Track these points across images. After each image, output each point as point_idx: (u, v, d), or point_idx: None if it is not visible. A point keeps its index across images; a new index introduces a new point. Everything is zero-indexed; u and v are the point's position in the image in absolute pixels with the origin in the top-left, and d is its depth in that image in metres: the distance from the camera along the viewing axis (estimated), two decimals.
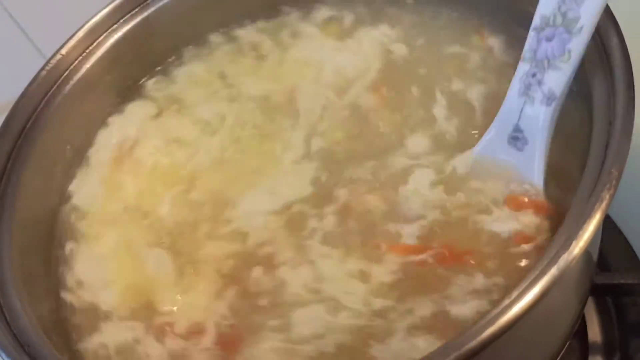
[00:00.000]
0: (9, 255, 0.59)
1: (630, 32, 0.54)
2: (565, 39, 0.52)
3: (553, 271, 0.42)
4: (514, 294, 0.42)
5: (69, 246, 0.65)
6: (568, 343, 0.57)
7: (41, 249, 0.65)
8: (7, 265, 0.58)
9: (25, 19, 1.04)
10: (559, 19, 0.52)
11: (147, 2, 0.74)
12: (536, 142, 0.55)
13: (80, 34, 0.71)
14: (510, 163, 0.57)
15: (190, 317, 0.57)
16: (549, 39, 0.53)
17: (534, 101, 0.54)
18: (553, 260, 0.42)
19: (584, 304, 0.58)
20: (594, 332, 0.73)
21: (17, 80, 0.77)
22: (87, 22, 0.72)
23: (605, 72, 0.52)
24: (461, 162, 0.60)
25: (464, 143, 0.61)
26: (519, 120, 0.56)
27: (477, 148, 0.59)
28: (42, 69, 0.70)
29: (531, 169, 0.56)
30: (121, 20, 0.73)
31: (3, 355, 0.51)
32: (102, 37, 0.72)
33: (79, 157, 0.71)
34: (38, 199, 0.66)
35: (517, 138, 0.56)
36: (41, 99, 0.69)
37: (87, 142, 0.71)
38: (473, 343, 0.41)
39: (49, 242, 0.66)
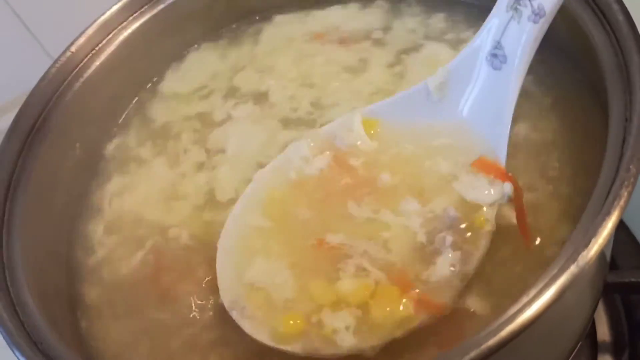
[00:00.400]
0: (20, 252, 0.59)
1: None
2: None
3: (572, 269, 0.42)
4: (532, 292, 0.42)
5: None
6: (580, 342, 0.57)
7: (52, 246, 0.65)
8: (19, 262, 0.58)
9: (30, 16, 1.03)
10: None
11: None
12: (515, 61, 0.53)
13: (90, 30, 0.71)
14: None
15: None
16: None
17: (521, 16, 0.52)
18: (572, 258, 0.42)
19: (597, 303, 0.58)
20: (603, 331, 0.73)
21: (21, 78, 0.78)
22: (97, 18, 0.72)
23: (620, 68, 0.51)
24: (436, 77, 0.58)
25: None
26: (502, 36, 0.54)
27: (454, 62, 0.58)
28: (52, 66, 0.69)
29: (505, 91, 0.54)
30: (131, 18, 0.73)
31: (17, 353, 0.50)
32: (112, 34, 0.72)
33: None
34: (48, 198, 0.66)
35: (496, 55, 0.54)
36: (50, 97, 0.68)
37: None
38: (492, 341, 0.40)
39: (60, 240, 0.66)
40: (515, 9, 0.52)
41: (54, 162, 0.67)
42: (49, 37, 1.02)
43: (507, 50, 0.53)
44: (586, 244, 0.42)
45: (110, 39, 0.72)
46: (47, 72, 0.69)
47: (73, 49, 0.71)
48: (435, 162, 0.56)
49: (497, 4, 0.54)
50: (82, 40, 0.71)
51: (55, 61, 0.70)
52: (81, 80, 0.71)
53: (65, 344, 0.53)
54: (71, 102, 0.69)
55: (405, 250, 0.52)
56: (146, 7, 0.74)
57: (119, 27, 0.73)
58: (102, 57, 0.72)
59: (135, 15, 0.73)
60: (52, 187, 0.67)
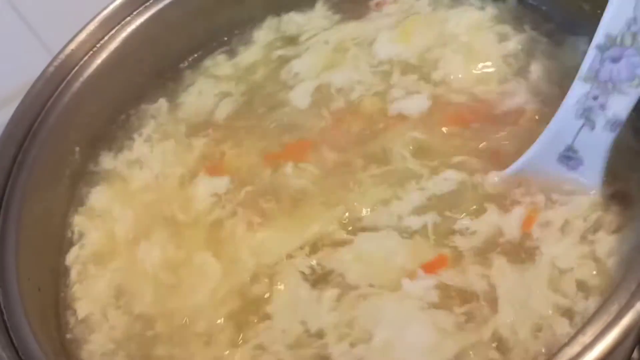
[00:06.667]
0: (15, 269, 0.54)
1: None
2: (635, 63, 0.47)
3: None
4: (591, 330, 0.38)
5: None
6: None
7: (49, 258, 0.60)
8: (14, 281, 0.53)
9: (28, 8, 0.98)
10: (628, 40, 0.47)
11: None
12: (596, 164, 0.51)
13: (92, 26, 0.66)
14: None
15: None
16: (614, 60, 0.48)
17: (594, 125, 0.50)
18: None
19: None
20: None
21: (18, 72, 0.73)
22: (98, 14, 0.66)
23: None
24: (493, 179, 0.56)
25: None
26: (574, 141, 0.52)
27: (518, 163, 0.55)
28: (50, 65, 0.64)
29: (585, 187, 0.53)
30: (134, 13, 0.68)
31: None
32: (114, 30, 0.67)
33: None
34: (45, 205, 0.61)
35: (569, 157, 0.53)
36: (48, 97, 0.63)
37: None
38: None
39: (58, 254, 0.61)
40: (587, 118, 0.50)
41: (51, 168, 0.62)
42: (47, 30, 0.97)
43: (583, 154, 0.52)
44: None
45: (112, 35, 0.67)
46: (44, 71, 0.64)
47: (72, 46, 0.65)
48: None
49: (560, 111, 0.52)
50: (82, 36, 0.66)
51: (53, 59, 0.65)
52: (81, 80, 0.65)
53: None
54: (70, 103, 0.64)
55: None
56: (150, 2, 0.68)
57: (122, 23, 0.67)
58: (104, 55, 0.66)
59: (139, 10, 0.68)
60: (50, 196, 0.62)
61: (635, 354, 0.67)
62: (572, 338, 0.38)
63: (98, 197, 0.64)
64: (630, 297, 0.38)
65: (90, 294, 0.58)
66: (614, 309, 0.38)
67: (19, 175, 0.60)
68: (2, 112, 0.67)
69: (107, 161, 0.67)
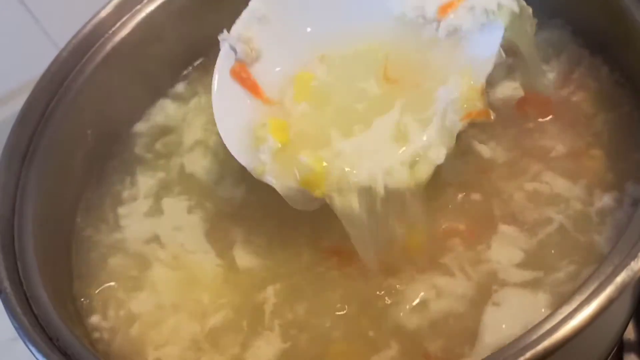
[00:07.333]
0: (32, 244, 0.57)
1: None
2: None
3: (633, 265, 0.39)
4: (587, 291, 0.40)
5: None
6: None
7: (63, 234, 0.63)
8: (32, 254, 0.56)
9: (35, 2, 1.00)
10: None
11: None
12: None
13: (103, 13, 0.68)
14: None
15: None
16: None
17: None
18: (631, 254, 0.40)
19: (637, 304, 0.55)
20: (628, 330, 0.70)
21: (25, 67, 0.76)
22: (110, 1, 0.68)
23: None
24: None
25: None
26: None
27: None
28: (63, 49, 0.66)
29: None
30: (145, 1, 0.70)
31: (33, 349, 0.48)
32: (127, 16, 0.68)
33: None
34: (59, 185, 0.63)
35: None
36: (61, 81, 0.65)
37: None
38: (548, 342, 0.38)
39: (70, 227, 0.64)
40: None
41: (65, 149, 0.65)
42: (54, 25, 0.98)
43: None
44: None
45: (124, 21, 0.69)
46: (57, 56, 0.66)
47: (86, 30, 0.67)
48: None
49: None
50: (95, 21, 0.68)
51: (67, 44, 0.66)
52: (93, 64, 0.67)
53: (79, 340, 0.51)
54: (83, 87, 0.66)
55: None
56: None
57: (134, 10, 0.69)
58: (116, 40, 0.68)
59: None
60: (64, 176, 0.64)
61: (632, 336, 0.70)
62: (571, 296, 0.40)
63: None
64: (614, 268, 0.40)
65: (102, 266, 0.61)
66: (609, 270, 0.40)
67: (33, 156, 0.61)
68: (10, 104, 0.68)
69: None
